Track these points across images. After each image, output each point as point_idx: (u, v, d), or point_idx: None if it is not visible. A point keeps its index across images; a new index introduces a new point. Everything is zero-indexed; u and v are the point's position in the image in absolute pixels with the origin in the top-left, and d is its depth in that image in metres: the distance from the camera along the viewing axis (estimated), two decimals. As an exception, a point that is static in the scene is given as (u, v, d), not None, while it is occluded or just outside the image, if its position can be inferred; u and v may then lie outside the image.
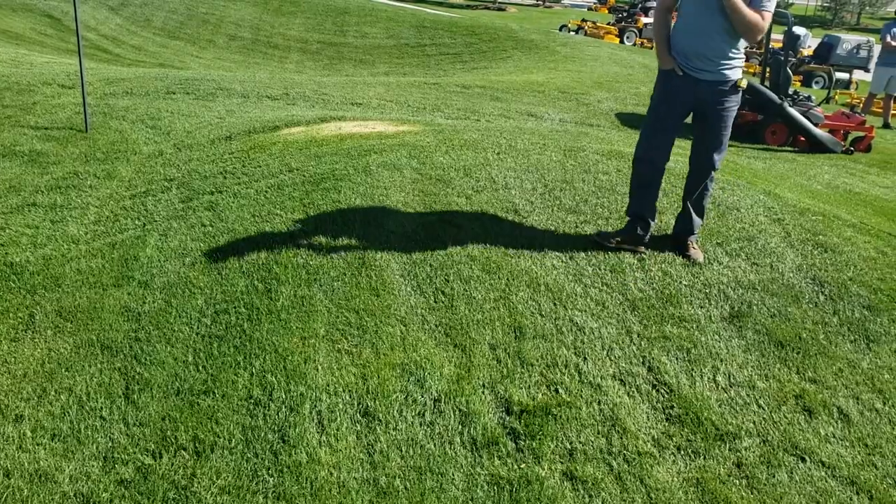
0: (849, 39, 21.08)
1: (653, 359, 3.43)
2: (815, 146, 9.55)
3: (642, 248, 4.25)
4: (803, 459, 2.96)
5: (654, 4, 5.08)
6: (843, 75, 20.79)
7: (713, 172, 4.17)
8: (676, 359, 3.44)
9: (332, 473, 2.74)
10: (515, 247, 4.18)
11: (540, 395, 3.15)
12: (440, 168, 5.16)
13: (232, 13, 24.35)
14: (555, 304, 3.74)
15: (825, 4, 59.98)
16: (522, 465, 2.81)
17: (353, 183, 4.90)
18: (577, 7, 50.28)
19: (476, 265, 3.99)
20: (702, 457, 2.93)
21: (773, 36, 11.54)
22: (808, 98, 10.06)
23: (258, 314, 3.61)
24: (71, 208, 5.07)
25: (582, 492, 2.72)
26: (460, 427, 2.98)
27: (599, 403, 3.15)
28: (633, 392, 3.23)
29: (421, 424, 2.98)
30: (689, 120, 4.20)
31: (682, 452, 2.95)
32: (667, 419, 3.11)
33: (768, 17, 3.82)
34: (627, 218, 4.33)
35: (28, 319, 3.71)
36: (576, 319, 3.64)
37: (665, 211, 4.69)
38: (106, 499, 2.61)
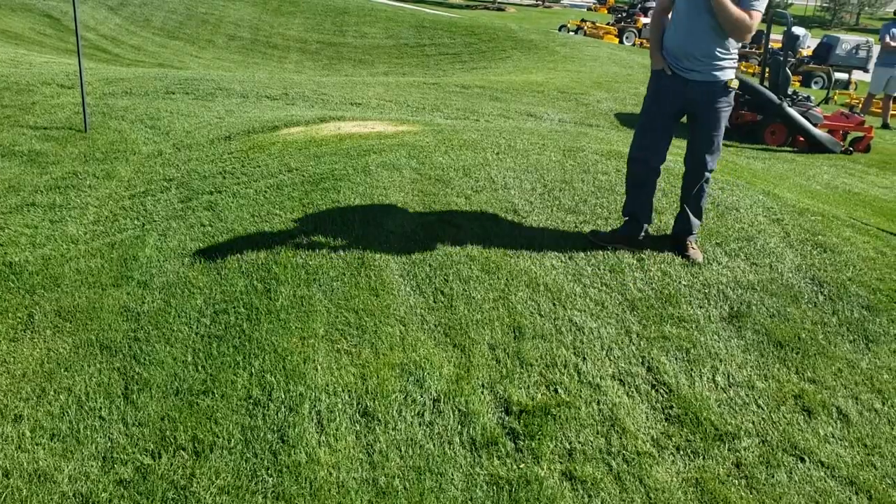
0: (848, 40, 21.10)
1: (652, 359, 3.43)
2: (814, 146, 9.55)
3: (638, 248, 4.25)
4: (802, 459, 2.96)
5: (653, 5, 5.09)
6: (843, 75, 20.80)
7: (708, 174, 4.15)
8: (676, 359, 3.44)
9: (331, 473, 2.74)
10: (515, 247, 4.18)
11: (539, 395, 3.15)
12: (439, 168, 5.16)
13: (231, 13, 24.35)
14: (554, 304, 3.74)
15: (824, 5, 60.00)
16: (522, 465, 2.81)
17: (352, 183, 4.90)
18: (577, 7, 50.29)
19: (475, 265, 3.99)
20: (701, 457, 2.93)
21: (772, 36, 11.54)
22: (808, 98, 10.07)
23: (257, 314, 3.61)
24: (70, 208, 5.07)
25: (581, 492, 2.72)
26: (459, 427, 2.98)
27: (599, 403, 3.15)
28: (632, 392, 3.24)
29: (420, 424, 2.98)
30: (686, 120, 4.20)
31: (682, 452, 2.95)
32: (666, 419, 3.11)
33: (756, 16, 3.79)
34: (625, 218, 4.34)
35: (27, 319, 3.71)
36: (575, 319, 3.64)
37: (665, 211, 4.69)
38: (105, 499, 2.61)
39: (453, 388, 3.16)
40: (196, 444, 2.85)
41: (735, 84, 3.96)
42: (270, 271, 3.93)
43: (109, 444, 2.86)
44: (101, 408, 3.05)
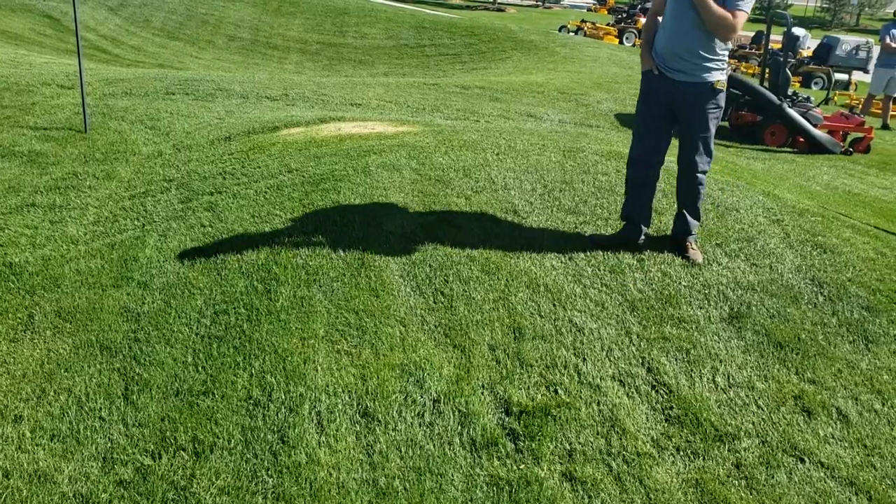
0: (848, 40, 21.10)
1: (652, 359, 3.43)
2: (814, 147, 9.56)
3: (638, 251, 4.25)
4: (802, 460, 2.96)
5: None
6: (843, 76, 20.81)
7: (700, 175, 4.12)
8: (676, 360, 3.44)
9: (331, 474, 2.74)
10: (515, 247, 4.18)
11: (539, 396, 3.15)
12: (439, 169, 5.16)
13: (231, 14, 24.35)
14: (554, 305, 3.74)
15: (824, 5, 60.02)
16: (522, 466, 2.81)
17: (352, 183, 4.90)
18: (577, 8, 50.30)
19: (475, 266, 3.99)
20: (701, 457, 2.93)
21: (772, 37, 11.55)
22: (808, 99, 10.08)
23: (257, 315, 3.61)
24: (70, 209, 5.07)
25: (581, 492, 2.73)
26: (460, 428, 2.98)
27: (599, 404, 3.15)
28: (632, 393, 3.24)
29: (420, 425, 2.98)
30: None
31: (682, 453, 2.95)
32: (666, 420, 3.11)
33: (741, 15, 3.77)
34: (622, 222, 4.35)
35: (27, 320, 3.71)
36: (575, 320, 3.64)
37: (665, 212, 4.69)
38: (105, 499, 2.61)
39: (453, 388, 3.16)
40: (196, 445, 2.85)
41: (722, 86, 3.93)
42: (270, 272, 3.93)
43: (109, 444, 2.86)
44: (101, 408, 3.05)
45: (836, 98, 16.54)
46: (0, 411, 3.05)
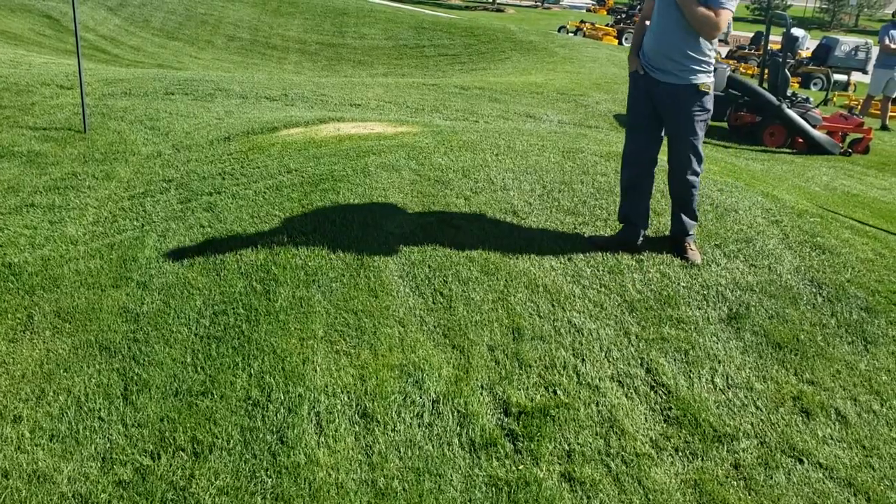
0: (847, 41, 21.14)
1: (651, 360, 3.43)
2: (813, 148, 9.57)
3: (636, 252, 4.26)
4: (801, 461, 2.96)
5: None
6: (842, 77, 20.84)
7: (692, 177, 4.10)
8: (674, 360, 3.45)
9: (330, 474, 2.74)
10: (514, 248, 4.19)
11: (538, 397, 3.16)
12: (439, 169, 5.16)
13: (230, 14, 24.36)
14: (553, 306, 3.74)
15: (823, 6, 60.07)
16: (521, 467, 2.82)
17: (351, 184, 4.90)
18: (576, 8, 50.33)
19: (474, 266, 3.99)
20: (700, 458, 2.94)
21: (771, 37, 11.56)
22: (807, 100, 10.09)
23: (256, 315, 3.62)
24: (69, 209, 5.07)
25: (580, 493, 2.73)
26: (459, 428, 2.98)
27: (598, 405, 3.15)
28: (631, 393, 3.24)
29: (419, 426, 2.98)
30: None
31: (680, 454, 2.95)
32: (665, 420, 3.11)
33: (724, 14, 3.74)
34: (620, 224, 4.35)
35: (26, 320, 3.71)
36: (574, 321, 3.64)
37: (664, 213, 4.70)
38: (104, 499, 2.61)
39: (452, 389, 3.16)
40: (195, 445, 2.85)
41: (707, 88, 3.89)
42: (269, 272, 3.93)
43: (109, 444, 2.86)
44: (100, 409, 3.05)
45: (835, 99, 16.57)
46: (-1, 411, 3.06)
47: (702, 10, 3.71)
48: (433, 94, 10.37)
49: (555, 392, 3.19)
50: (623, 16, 31.89)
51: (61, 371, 3.29)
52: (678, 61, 3.86)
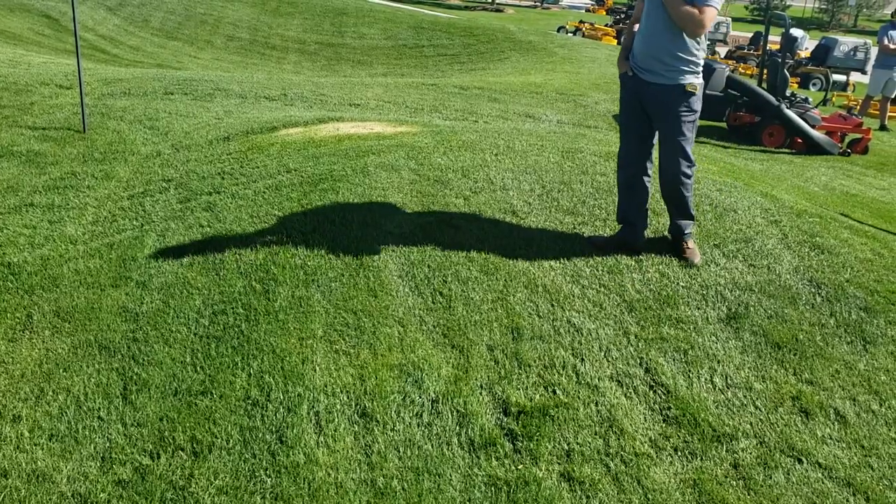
0: (846, 42, 21.16)
1: (650, 360, 3.43)
2: (812, 148, 9.58)
3: (636, 252, 4.26)
4: (800, 461, 2.97)
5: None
6: (841, 77, 20.87)
7: (683, 178, 4.06)
8: (673, 360, 3.45)
9: (329, 474, 2.74)
10: (513, 248, 4.19)
11: (537, 396, 3.16)
12: (438, 169, 5.16)
13: (230, 14, 24.35)
14: (552, 305, 3.74)
15: (822, 6, 60.12)
16: (520, 466, 2.82)
17: (351, 184, 4.90)
18: (575, 8, 50.34)
19: (474, 266, 3.99)
20: (699, 458, 2.94)
21: (770, 38, 11.57)
22: (806, 100, 10.10)
23: (256, 315, 3.62)
24: (69, 209, 5.07)
25: (579, 492, 2.73)
26: (458, 428, 2.98)
27: (597, 404, 3.15)
28: (630, 393, 3.24)
29: (419, 425, 2.98)
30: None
31: (679, 453, 2.95)
32: (664, 420, 3.11)
33: (708, 11, 3.71)
34: (619, 224, 4.36)
35: (26, 320, 3.71)
36: (573, 320, 3.65)
37: (663, 213, 4.70)
38: (104, 499, 2.61)
39: (452, 388, 3.16)
40: (195, 445, 2.85)
41: (694, 88, 3.86)
42: (269, 272, 3.93)
43: (108, 444, 2.86)
44: (99, 408, 3.05)
45: (834, 99, 16.58)
46: (-2, 411, 3.06)
47: (686, 7, 3.70)
48: (432, 93, 10.37)
49: (554, 392, 3.19)
50: (622, 16, 31.91)
51: (60, 370, 3.29)
52: (665, 62, 3.87)
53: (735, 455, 2.96)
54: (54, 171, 5.75)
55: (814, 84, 19.94)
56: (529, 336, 3.51)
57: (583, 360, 3.40)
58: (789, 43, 10.48)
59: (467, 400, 3.11)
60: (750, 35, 28.63)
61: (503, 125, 7.90)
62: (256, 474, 2.73)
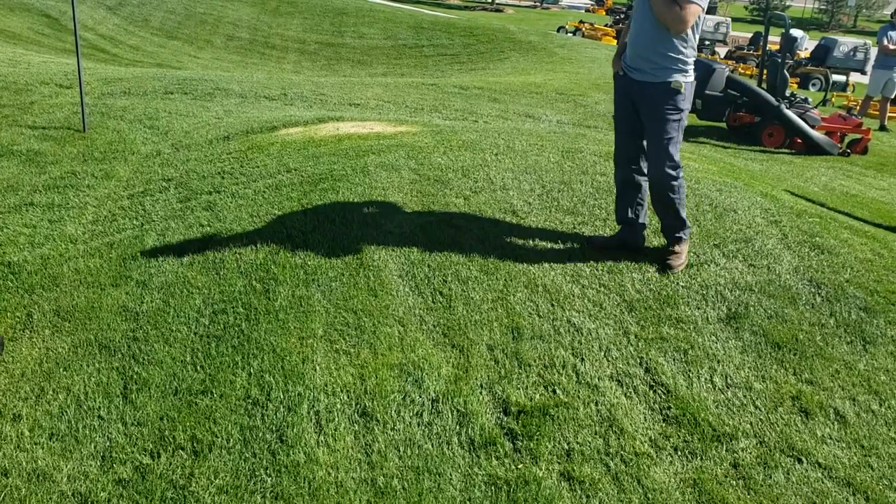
0: (846, 42, 21.17)
1: (650, 360, 3.44)
2: (811, 148, 9.58)
3: (636, 252, 4.26)
4: (800, 460, 2.97)
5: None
6: (840, 77, 20.88)
7: (668, 180, 3.97)
8: (673, 360, 3.45)
9: (329, 473, 2.74)
10: (513, 248, 4.19)
11: (537, 396, 3.16)
12: (438, 169, 5.17)
13: (230, 13, 24.35)
14: (552, 305, 3.74)
15: (822, 7, 60.16)
16: (520, 466, 2.82)
17: (351, 183, 4.90)
18: (575, 8, 50.35)
19: (474, 266, 4.00)
20: (699, 457, 2.94)
21: (770, 38, 11.58)
22: (805, 100, 10.10)
23: (256, 314, 3.62)
24: (69, 208, 5.07)
25: (579, 492, 2.73)
26: (458, 427, 2.98)
27: (597, 404, 3.16)
28: (630, 393, 3.24)
29: (419, 425, 2.99)
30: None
31: (679, 453, 2.96)
32: (664, 420, 3.12)
33: (690, 8, 3.66)
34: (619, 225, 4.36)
35: (26, 319, 3.71)
36: (573, 320, 3.65)
37: (662, 212, 4.70)
38: (104, 498, 2.61)
39: (452, 388, 3.16)
40: (195, 444, 2.85)
41: (678, 86, 3.82)
42: (269, 271, 3.93)
43: (108, 443, 2.87)
44: (100, 407, 3.05)
45: (833, 99, 16.59)
46: (-1, 410, 3.06)
47: (668, 5, 3.69)
48: (432, 93, 10.38)
49: (554, 391, 3.20)
50: (622, 16, 31.92)
51: (61, 370, 3.29)
52: (652, 60, 3.87)
53: (735, 455, 2.97)
54: (54, 171, 5.75)
55: (813, 84, 19.95)
56: (529, 336, 3.52)
57: (583, 359, 3.40)
58: (789, 43, 10.48)
59: (467, 399, 3.11)
60: (749, 35, 28.65)
61: (503, 125, 7.90)
62: (257, 473, 2.73)
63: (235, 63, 19.11)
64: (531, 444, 2.91)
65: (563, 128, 8.53)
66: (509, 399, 3.13)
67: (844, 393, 3.36)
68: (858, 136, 10.03)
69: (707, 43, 25.74)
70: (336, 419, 2.99)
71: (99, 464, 2.77)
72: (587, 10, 48.11)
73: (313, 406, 3.05)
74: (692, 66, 3.90)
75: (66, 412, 3.03)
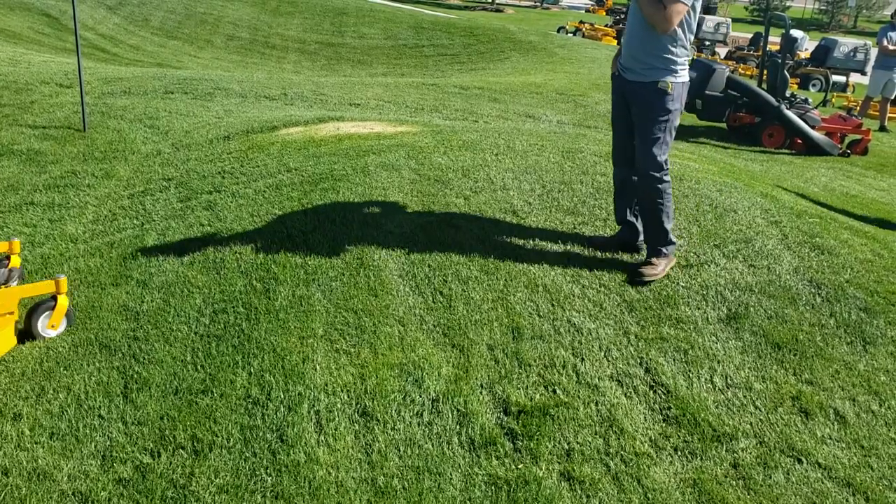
0: (846, 43, 21.18)
1: (650, 360, 3.44)
2: (811, 149, 9.59)
3: (637, 252, 4.26)
4: (800, 461, 2.97)
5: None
6: (840, 78, 20.89)
7: (654, 183, 3.90)
8: (674, 360, 3.45)
9: (330, 473, 2.74)
10: (513, 248, 4.19)
11: (538, 396, 3.16)
12: (438, 169, 5.17)
13: (230, 13, 24.35)
14: (552, 305, 3.75)
15: (822, 7, 60.17)
16: (520, 466, 2.82)
17: (351, 183, 4.90)
18: (575, 9, 50.35)
19: (474, 266, 4.00)
20: (699, 458, 2.94)
21: (770, 38, 11.58)
22: (805, 101, 10.11)
23: (256, 314, 3.62)
24: (69, 207, 5.07)
25: (579, 492, 2.73)
26: (458, 427, 2.98)
27: (597, 404, 3.16)
28: (630, 393, 3.25)
29: (419, 424, 2.99)
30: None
31: (679, 453, 2.96)
32: (664, 420, 3.12)
33: (675, 8, 3.62)
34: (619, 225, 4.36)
35: (26, 318, 3.70)
36: (573, 320, 3.65)
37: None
38: (104, 497, 2.61)
39: (452, 388, 3.17)
40: (195, 444, 2.85)
41: (666, 86, 3.79)
42: (269, 271, 3.94)
43: (109, 442, 2.87)
44: (100, 406, 3.05)
45: (833, 100, 16.60)
46: (-1, 409, 3.06)
47: (653, 4, 3.69)
48: (432, 93, 10.38)
49: (554, 391, 3.20)
50: (622, 16, 31.93)
51: (61, 369, 3.29)
52: (642, 60, 3.87)
53: (735, 455, 2.97)
54: (55, 170, 5.75)
55: (813, 85, 19.96)
56: (530, 336, 3.52)
57: (583, 359, 3.40)
58: (789, 44, 10.49)
59: (467, 399, 3.11)
60: (750, 36, 28.65)
61: (503, 125, 7.91)
62: (257, 473, 2.73)
63: (236, 63, 19.12)
64: (531, 444, 2.91)
65: (564, 128, 8.53)
66: (509, 399, 3.13)
67: (844, 393, 3.36)
68: (858, 136, 10.04)
69: (707, 43, 25.75)
70: (336, 419, 2.99)
71: (99, 463, 2.77)
72: (587, 11, 48.11)
73: (313, 406, 3.05)
74: (684, 67, 3.86)
75: (67, 411, 3.03)
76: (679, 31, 3.76)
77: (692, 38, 3.88)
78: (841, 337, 3.73)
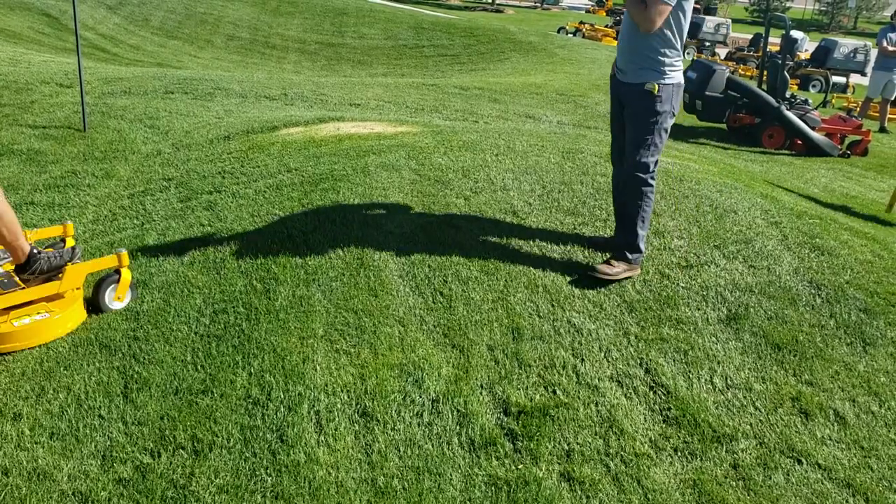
0: (846, 43, 21.20)
1: (650, 360, 3.44)
2: (811, 149, 9.59)
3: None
4: (800, 461, 2.97)
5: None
6: (840, 79, 20.90)
7: (640, 185, 3.89)
8: (674, 361, 3.46)
9: (330, 473, 2.74)
10: (514, 248, 4.19)
11: (538, 396, 3.16)
12: (439, 169, 5.17)
13: (230, 13, 24.35)
14: (553, 306, 3.75)
15: (822, 8, 60.20)
16: (520, 466, 2.82)
17: (351, 183, 4.90)
18: (575, 9, 50.36)
19: (474, 266, 4.00)
20: (699, 458, 2.94)
21: (770, 39, 11.58)
22: (805, 101, 10.11)
23: (256, 314, 3.62)
24: (69, 207, 5.07)
25: (579, 492, 2.73)
26: (458, 428, 2.98)
27: (597, 405, 3.16)
28: (630, 393, 3.25)
29: (419, 425, 2.99)
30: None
31: (679, 454, 2.96)
32: (664, 421, 3.12)
33: (657, 8, 3.60)
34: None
35: (26, 318, 3.70)
36: (573, 321, 3.65)
37: (662, 213, 4.70)
38: (104, 497, 2.61)
39: (452, 388, 3.17)
40: (195, 444, 2.85)
41: (652, 89, 3.75)
42: (269, 271, 3.93)
43: (109, 442, 2.87)
44: (100, 406, 3.05)
45: (833, 101, 16.61)
46: (-1, 409, 3.06)
47: (637, 3, 3.69)
48: (433, 94, 10.38)
49: (554, 392, 3.20)
50: (622, 17, 31.97)
51: (61, 369, 3.29)
52: (633, 62, 3.88)
53: (735, 455, 2.97)
54: (55, 170, 5.75)
55: (813, 86, 19.97)
56: (530, 336, 3.52)
57: (583, 360, 3.40)
58: (789, 44, 10.49)
59: (467, 400, 3.11)
60: (750, 37, 28.66)
61: (503, 125, 7.91)
62: (257, 473, 2.73)
63: (236, 63, 19.12)
64: (531, 445, 2.91)
65: (564, 128, 8.53)
66: (509, 399, 3.13)
67: (844, 394, 3.36)
68: (858, 137, 10.04)
69: (707, 44, 25.77)
70: (336, 419, 2.99)
71: (99, 463, 2.77)
72: (587, 11, 48.14)
73: (314, 406, 3.05)
74: (673, 68, 3.80)
75: (67, 411, 3.03)
76: (667, 32, 3.72)
77: (683, 39, 3.85)
78: (841, 338, 3.73)
